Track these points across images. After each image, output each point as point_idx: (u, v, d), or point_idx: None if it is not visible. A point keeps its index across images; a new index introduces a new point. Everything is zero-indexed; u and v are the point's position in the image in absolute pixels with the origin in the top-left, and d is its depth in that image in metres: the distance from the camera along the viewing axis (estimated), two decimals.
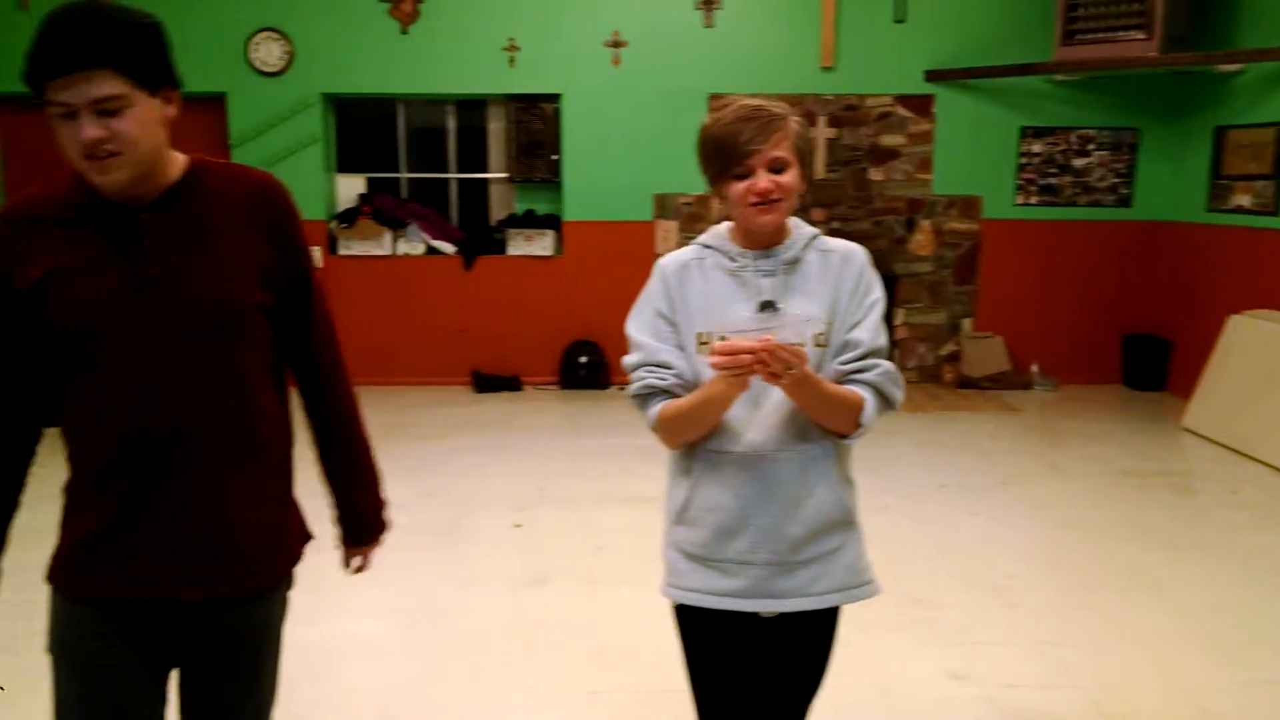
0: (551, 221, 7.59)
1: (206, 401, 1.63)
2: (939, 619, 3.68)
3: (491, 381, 7.47)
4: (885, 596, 3.77)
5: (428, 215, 7.72)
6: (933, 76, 7.36)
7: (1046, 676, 3.27)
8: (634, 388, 1.84)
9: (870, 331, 1.82)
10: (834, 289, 1.83)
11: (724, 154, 1.76)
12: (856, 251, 1.89)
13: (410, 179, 7.87)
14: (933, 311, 7.69)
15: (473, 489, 5.09)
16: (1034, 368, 7.60)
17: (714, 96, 7.29)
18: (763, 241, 1.83)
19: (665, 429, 1.82)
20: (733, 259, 1.84)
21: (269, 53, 7.27)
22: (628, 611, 3.67)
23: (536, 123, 7.48)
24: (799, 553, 1.83)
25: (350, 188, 7.82)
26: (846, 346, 1.81)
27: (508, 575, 4.03)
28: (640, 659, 3.31)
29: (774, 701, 1.97)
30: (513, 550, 4.30)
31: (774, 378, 1.66)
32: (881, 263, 7.44)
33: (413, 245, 7.57)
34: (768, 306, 1.79)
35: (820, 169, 7.48)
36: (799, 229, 1.88)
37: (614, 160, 7.45)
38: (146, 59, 1.52)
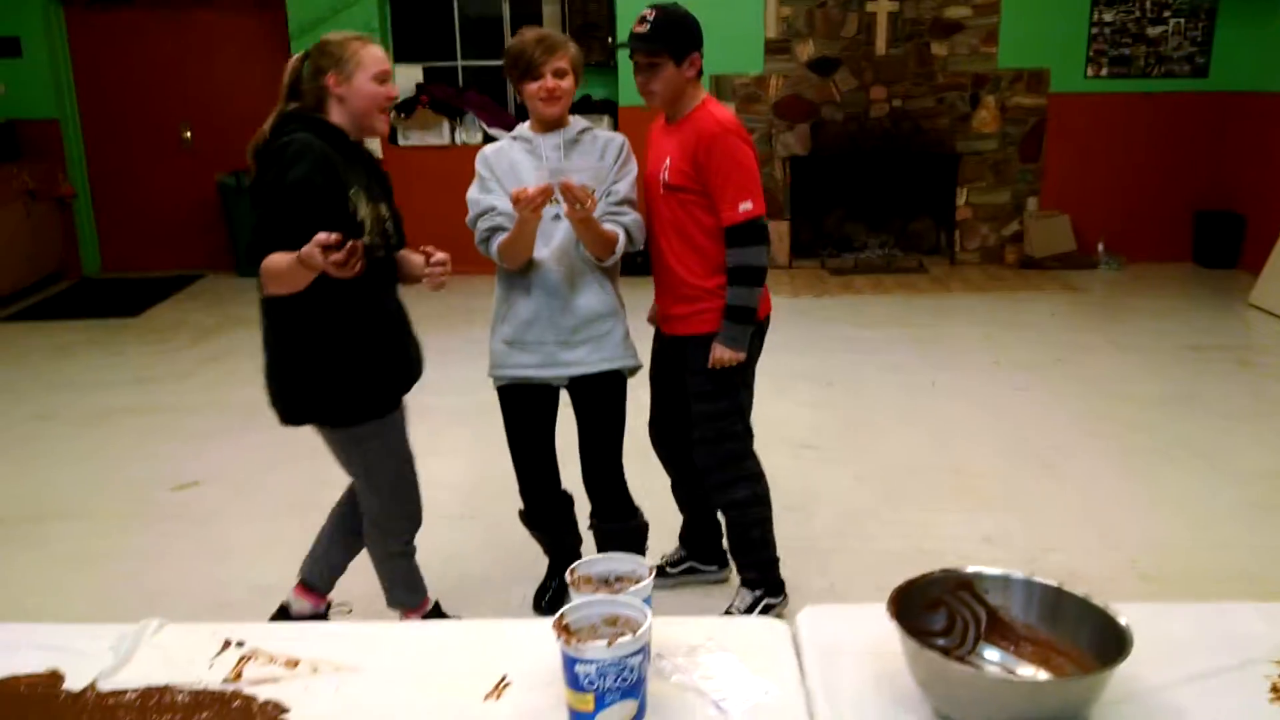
0: (608, 107, 7.56)
1: None
2: (978, 487, 3.75)
3: None
4: (924, 466, 3.91)
5: (484, 103, 7.73)
6: None
7: (1086, 540, 3.33)
8: (478, 236, 2.58)
9: (627, 187, 2.61)
10: (600, 160, 2.58)
11: (523, 64, 2.50)
12: (618, 136, 2.65)
13: (466, 67, 7.87)
14: (996, 191, 7.54)
15: None
16: (1099, 246, 7.45)
17: None
18: (550, 127, 2.59)
19: (503, 255, 2.56)
20: (529, 140, 2.60)
21: None
22: None
23: (590, 4, 7.39)
24: (577, 334, 2.62)
25: (408, 77, 7.85)
26: (609, 195, 2.57)
27: None
28: None
29: (590, 459, 2.77)
30: None
31: (572, 209, 2.35)
32: (943, 141, 7.40)
33: (471, 134, 7.61)
34: (555, 174, 2.43)
35: (881, 45, 7.29)
36: (576, 121, 2.63)
37: None
38: None
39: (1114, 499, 3.63)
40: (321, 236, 1.98)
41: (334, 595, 2.81)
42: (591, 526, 2.87)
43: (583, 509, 2.91)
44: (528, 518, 2.94)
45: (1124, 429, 4.28)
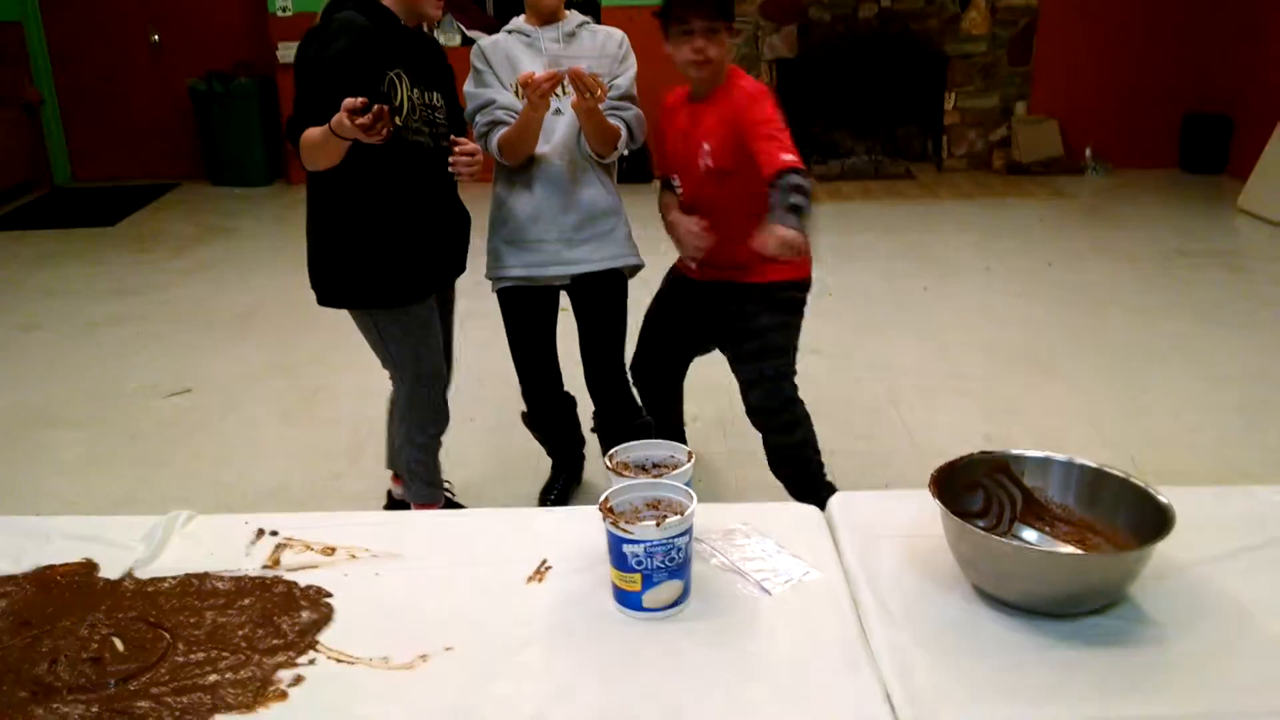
0: (589, 8, 7.35)
1: None
2: (975, 389, 3.77)
3: None
4: (921, 370, 3.93)
5: (462, 3, 7.52)
6: None
7: (1084, 439, 3.37)
8: (477, 131, 2.50)
9: (627, 82, 2.55)
10: (600, 54, 2.51)
11: None
12: (616, 31, 2.58)
13: None
14: (985, 95, 7.45)
15: None
16: (1087, 151, 7.41)
17: None
18: (547, 20, 2.51)
19: (504, 151, 2.48)
20: (527, 33, 2.53)
21: None
22: None
23: None
24: (580, 231, 2.57)
25: None
26: (610, 90, 2.46)
27: None
28: None
29: (592, 360, 2.73)
30: None
31: (582, 98, 2.27)
32: (932, 42, 7.27)
33: (449, 36, 7.41)
34: (555, 64, 2.39)
35: None
36: (573, 15, 2.56)
37: None
38: None
39: (1109, 400, 3.66)
40: (349, 101, 1.98)
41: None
42: (595, 428, 2.87)
43: (584, 410, 2.90)
44: (530, 419, 2.94)
45: (1115, 333, 4.30)
